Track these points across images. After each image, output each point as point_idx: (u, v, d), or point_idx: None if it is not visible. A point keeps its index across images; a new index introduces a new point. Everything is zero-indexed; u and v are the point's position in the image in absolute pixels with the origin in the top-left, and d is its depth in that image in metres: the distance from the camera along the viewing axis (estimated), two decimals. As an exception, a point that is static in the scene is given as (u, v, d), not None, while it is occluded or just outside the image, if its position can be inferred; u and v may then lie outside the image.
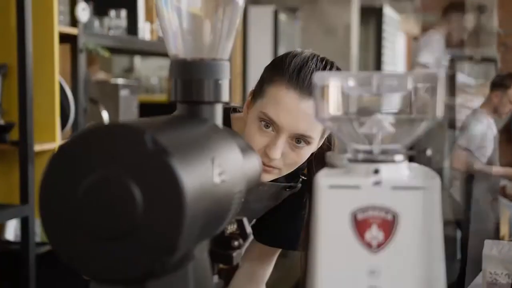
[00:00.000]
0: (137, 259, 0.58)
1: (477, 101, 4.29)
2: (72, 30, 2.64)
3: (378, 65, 7.74)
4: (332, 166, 0.73)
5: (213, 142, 0.70)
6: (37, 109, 2.44)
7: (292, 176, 1.38)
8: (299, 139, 1.24)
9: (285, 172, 1.28)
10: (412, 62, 4.08)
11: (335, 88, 0.68)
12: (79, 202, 0.59)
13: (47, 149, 2.49)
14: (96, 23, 2.97)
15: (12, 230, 2.68)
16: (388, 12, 7.76)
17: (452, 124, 4.46)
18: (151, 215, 0.58)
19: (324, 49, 5.51)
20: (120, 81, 3.21)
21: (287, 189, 1.40)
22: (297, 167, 1.29)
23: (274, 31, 5.06)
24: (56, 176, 0.60)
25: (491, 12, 9.38)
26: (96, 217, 0.59)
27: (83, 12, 2.62)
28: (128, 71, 5.62)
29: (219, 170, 0.68)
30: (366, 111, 0.69)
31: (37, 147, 2.41)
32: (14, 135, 2.39)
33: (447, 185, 4.10)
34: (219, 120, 0.80)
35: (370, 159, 0.67)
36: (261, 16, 4.97)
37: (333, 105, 0.68)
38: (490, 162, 4.01)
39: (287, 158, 1.25)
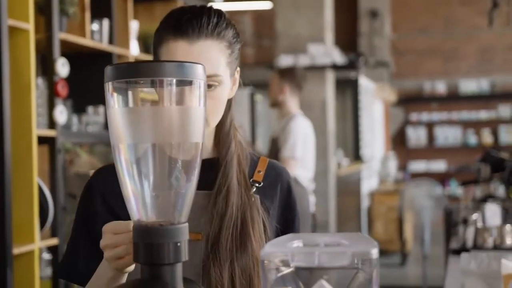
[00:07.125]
0: None
1: None
2: (50, 132, 2.70)
3: (356, 134, 7.87)
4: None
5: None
6: (15, 211, 2.47)
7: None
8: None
9: (213, 122, 1.23)
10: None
11: (280, 262, 0.74)
12: None
13: (25, 251, 2.51)
14: (75, 120, 3.04)
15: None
16: (364, 82, 7.95)
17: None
18: None
19: (301, 125, 5.59)
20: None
21: None
22: (222, 111, 1.23)
23: (251, 112, 5.19)
24: None
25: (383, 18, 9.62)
26: None
27: (61, 114, 2.70)
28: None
29: None
30: (313, 279, 0.75)
31: (16, 250, 2.44)
32: (-8, 239, 2.41)
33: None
34: (178, 278, 0.86)
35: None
36: (238, 99, 5.08)
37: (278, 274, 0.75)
38: None
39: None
